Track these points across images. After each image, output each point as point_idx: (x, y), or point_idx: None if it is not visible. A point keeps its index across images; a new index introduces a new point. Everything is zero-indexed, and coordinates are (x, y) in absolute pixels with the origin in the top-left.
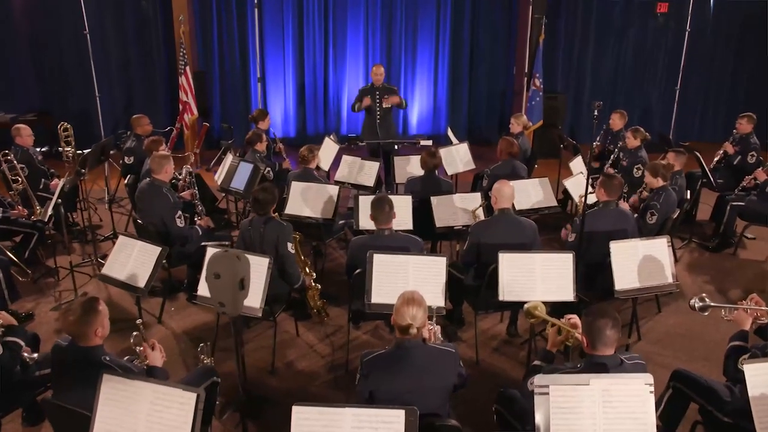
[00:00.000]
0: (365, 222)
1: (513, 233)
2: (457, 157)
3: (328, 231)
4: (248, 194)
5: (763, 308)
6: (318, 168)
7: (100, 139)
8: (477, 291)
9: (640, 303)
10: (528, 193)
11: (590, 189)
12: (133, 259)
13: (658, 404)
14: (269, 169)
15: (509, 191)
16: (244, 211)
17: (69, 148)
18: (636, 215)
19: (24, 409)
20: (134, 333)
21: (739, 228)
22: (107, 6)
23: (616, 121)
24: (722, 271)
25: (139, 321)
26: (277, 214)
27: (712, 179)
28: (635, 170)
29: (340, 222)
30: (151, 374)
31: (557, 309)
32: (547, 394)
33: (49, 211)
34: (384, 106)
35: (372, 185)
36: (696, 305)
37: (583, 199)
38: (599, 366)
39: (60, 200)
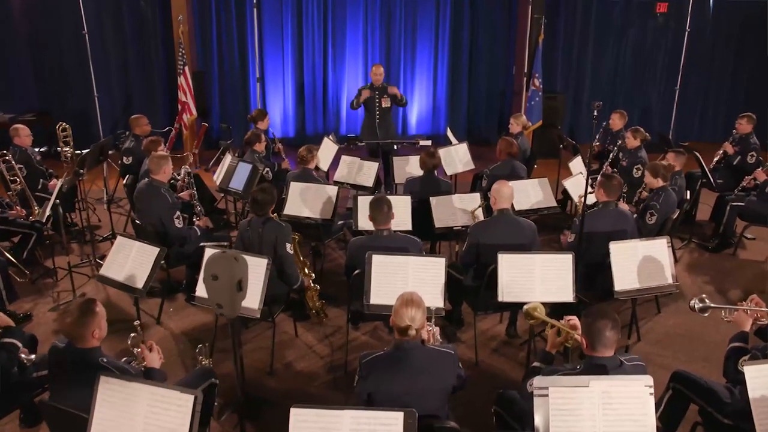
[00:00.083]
0: (364, 222)
1: (512, 234)
2: (457, 158)
3: (327, 231)
4: (247, 194)
5: (763, 309)
6: (317, 168)
7: (99, 140)
8: (476, 292)
9: (639, 304)
10: (527, 193)
11: (590, 189)
12: (131, 260)
13: (657, 405)
14: (268, 169)
15: (508, 192)
16: (243, 212)
17: (67, 149)
18: (635, 215)
19: (22, 410)
20: (132, 334)
21: (738, 228)
22: (106, 6)
23: (616, 121)
24: (722, 272)
25: (136, 322)
26: (275, 214)
27: (711, 179)
28: (635, 170)
29: (339, 222)
30: (149, 376)
31: (557, 310)
32: (547, 395)
33: (48, 212)
34: (383, 105)
35: (371, 185)
36: (696, 306)
37: (582, 199)
38: (599, 367)
39: (58, 200)
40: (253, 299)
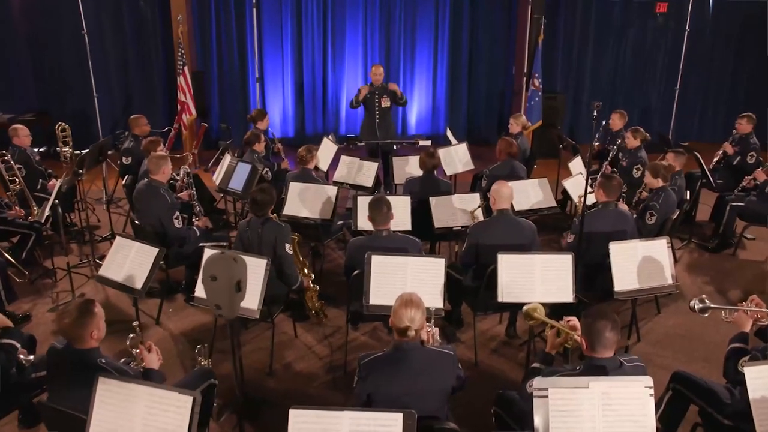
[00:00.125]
0: (364, 223)
1: (512, 234)
2: (456, 158)
3: (327, 232)
4: (246, 195)
5: (763, 310)
6: (316, 168)
7: (98, 140)
8: (476, 292)
9: (639, 304)
10: (527, 193)
11: (589, 189)
12: (130, 261)
13: (657, 406)
14: (267, 169)
15: (508, 192)
16: (242, 212)
17: (67, 149)
18: (635, 216)
19: (20, 411)
20: (131, 335)
21: (738, 228)
22: (106, 6)
23: (616, 121)
24: (722, 272)
25: (135, 323)
26: (275, 214)
27: (711, 180)
28: (635, 170)
29: (339, 223)
30: (148, 377)
31: (556, 310)
32: (546, 397)
33: (47, 212)
34: (383, 105)
35: (371, 186)
36: (696, 307)
37: (582, 199)
38: (598, 368)
39: (57, 201)
40: (252, 300)
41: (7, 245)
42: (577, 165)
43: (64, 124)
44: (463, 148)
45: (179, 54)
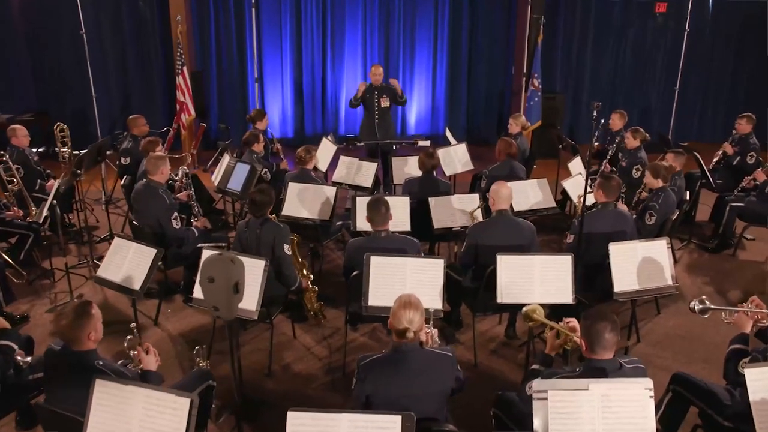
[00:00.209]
0: (363, 223)
1: (511, 235)
2: (456, 158)
3: (326, 232)
4: (245, 195)
5: (763, 311)
6: (315, 169)
7: (97, 140)
8: (475, 293)
9: (639, 305)
10: (526, 194)
11: (589, 189)
12: (128, 261)
13: (657, 407)
14: (266, 170)
15: (507, 192)
16: (241, 212)
17: (65, 149)
18: (635, 216)
19: (18, 412)
20: (128, 337)
21: (738, 229)
22: (104, 6)
23: (616, 122)
24: (722, 272)
25: (133, 325)
26: (274, 215)
27: (711, 180)
28: (634, 171)
29: (338, 223)
30: (146, 378)
31: (556, 311)
32: (546, 399)
33: (45, 212)
34: (383, 105)
35: (370, 186)
36: (696, 308)
37: (581, 199)
38: (598, 370)
39: (55, 201)
40: (251, 301)
41: (5, 246)
42: (576, 165)
43: (62, 124)
44: (462, 148)
45: (178, 54)
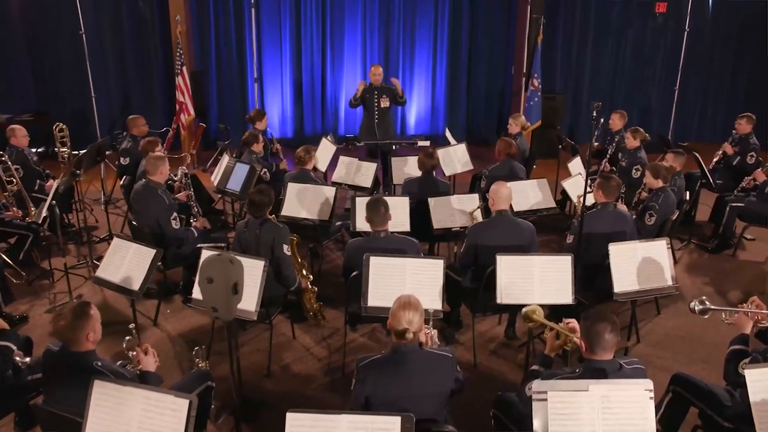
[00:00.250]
0: (362, 224)
1: (511, 235)
2: (455, 158)
3: (325, 233)
4: (244, 196)
5: (763, 311)
6: (315, 169)
7: (97, 140)
8: (475, 293)
9: (639, 305)
10: (526, 194)
11: (588, 189)
12: (127, 262)
13: (657, 408)
14: (266, 170)
15: (507, 193)
16: (240, 213)
17: (65, 149)
18: (634, 216)
19: (16, 413)
20: (127, 337)
21: (738, 229)
22: (104, 6)
23: (616, 122)
24: (721, 273)
25: (131, 325)
26: (273, 215)
27: (711, 180)
28: (634, 171)
29: (337, 224)
30: (144, 379)
31: (556, 312)
32: (546, 400)
33: (44, 213)
34: (382, 105)
35: (369, 186)
36: (696, 308)
37: (581, 200)
38: (598, 371)
39: (54, 201)
40: (250, 301)
41: (4, 246)
42: (576, 165)
43: (61, 124)
44: (462, 148)
45: (177, 54)
